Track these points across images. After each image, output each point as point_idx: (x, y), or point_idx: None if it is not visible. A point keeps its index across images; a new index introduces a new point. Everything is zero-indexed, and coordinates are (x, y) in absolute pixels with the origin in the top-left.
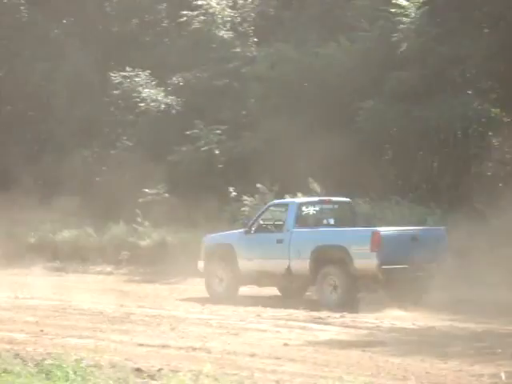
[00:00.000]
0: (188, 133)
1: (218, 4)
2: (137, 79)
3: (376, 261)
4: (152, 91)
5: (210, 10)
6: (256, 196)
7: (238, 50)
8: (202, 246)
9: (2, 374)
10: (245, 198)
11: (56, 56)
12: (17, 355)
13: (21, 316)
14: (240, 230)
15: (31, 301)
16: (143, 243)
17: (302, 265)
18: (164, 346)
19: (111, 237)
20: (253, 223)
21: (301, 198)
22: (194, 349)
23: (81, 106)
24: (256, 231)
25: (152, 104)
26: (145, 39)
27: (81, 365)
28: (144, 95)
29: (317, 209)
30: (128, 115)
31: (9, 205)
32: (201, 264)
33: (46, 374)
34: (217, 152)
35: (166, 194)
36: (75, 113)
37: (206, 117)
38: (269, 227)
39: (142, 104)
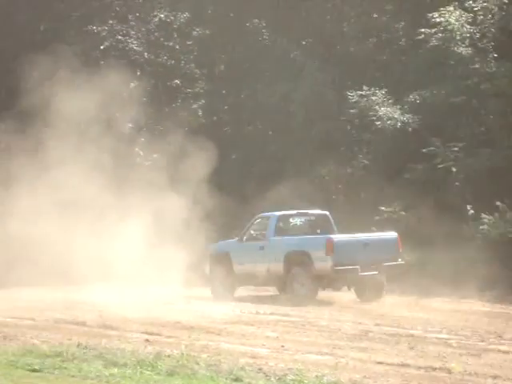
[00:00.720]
0: (424, 150)
1: (456, 21)
2: (373, 98)
3: (330, 263)
4: (388, 109)
5: (449, 27)
6: (495, 214)
7: (476, 66)
8: (208, 253)
9: None
10: (483, 216)
11: (295, 77)
12: (260, 370)
13: (262, 331)
14: (235, 239)
15: (271, 316)
16: None
17: (277, 267)
18: (403, 365)
19: None
20: (244, 233)
21: (281, 212)
22: (434, 369)
23: (318, 124)
24: (246, 240)
25: (388, 122)
26: (382, 58)
27: (322, 381)
28: (380, 113)
29: (296, 220)
30: (364, 134)
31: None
32: (207, 269)
33: None
34: (454, 169)
35: (402, 212)
36: (312, 131)
37: (443, 134)
38: (255, 236)
39: (378, 122)
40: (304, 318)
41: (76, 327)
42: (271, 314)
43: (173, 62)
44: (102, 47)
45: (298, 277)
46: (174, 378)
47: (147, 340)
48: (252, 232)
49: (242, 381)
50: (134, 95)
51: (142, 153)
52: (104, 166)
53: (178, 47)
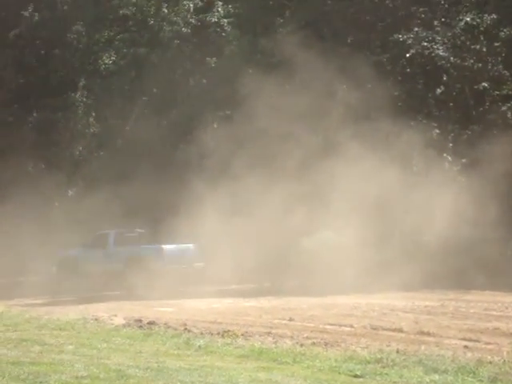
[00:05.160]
0: None
1: None
2: None
3: None
4: None
5: None
6: None
7: None
8: None
9: None
10: None
11: None
12: None
13: None
14: None
15: None
16: None
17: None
18: None
19: None
20: None
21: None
22: None
23: None
24: None
25: None
26: None
27: None
28: None
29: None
30: None
31: None
32: None
33: None
34: None
35: None
36: None
37: None
38: None
39: None
40: None
41: (393, 333)
42: None
43: (480, 64)
44: (407, 55)
45: None
46: None
47: (466, 346)
48: None
49: None
50: (439, 100)
51: (450, 158)
52: (414, 171)
53: (484, 49)
